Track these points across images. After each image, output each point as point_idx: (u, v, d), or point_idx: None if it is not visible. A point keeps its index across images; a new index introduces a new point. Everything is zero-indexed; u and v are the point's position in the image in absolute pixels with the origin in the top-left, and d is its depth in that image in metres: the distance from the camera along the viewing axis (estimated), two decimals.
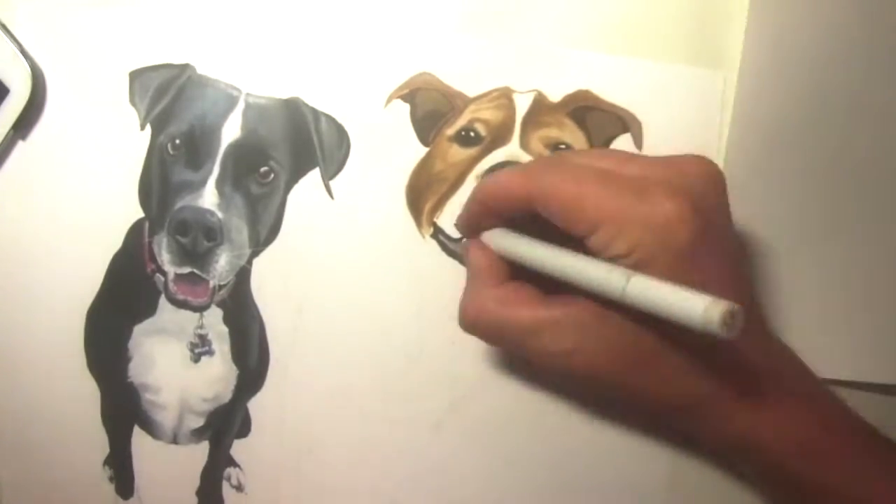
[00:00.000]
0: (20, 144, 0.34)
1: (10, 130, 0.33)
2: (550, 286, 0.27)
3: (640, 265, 0.24)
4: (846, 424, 0.28)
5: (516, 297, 0.27)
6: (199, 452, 0.35)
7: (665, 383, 0.26)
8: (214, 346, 0.34)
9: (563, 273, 0.26)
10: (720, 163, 0.32)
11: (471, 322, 0.28)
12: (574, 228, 0.26)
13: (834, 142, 0.32)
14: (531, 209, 0.27)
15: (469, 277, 0.29)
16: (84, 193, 0.34)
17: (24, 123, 0.33)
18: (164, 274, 0.34)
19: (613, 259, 0.25)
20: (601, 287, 0.24)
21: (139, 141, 0.34)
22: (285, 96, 0.33)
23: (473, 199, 0.29)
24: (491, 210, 0.29)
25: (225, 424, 0.34)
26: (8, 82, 0.32)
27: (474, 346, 0.33)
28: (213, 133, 0.33)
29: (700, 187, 0.26)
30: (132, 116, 0.34)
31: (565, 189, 0.26)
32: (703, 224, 0.25)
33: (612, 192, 0.25)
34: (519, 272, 0.28)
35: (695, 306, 0.21)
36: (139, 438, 0.35)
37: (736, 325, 0.21)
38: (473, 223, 0.30)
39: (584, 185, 0.26)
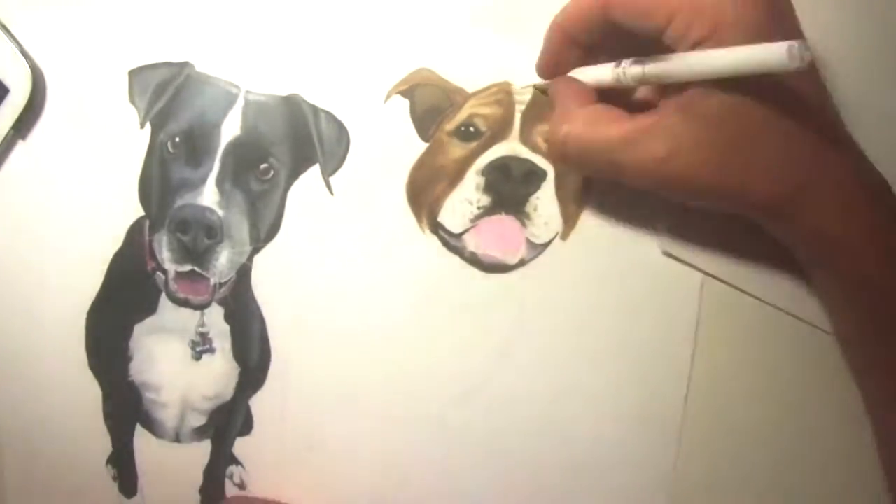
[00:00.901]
0: (20, 144, 0.34)
1: (9, 130, 0.33)
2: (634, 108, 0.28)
3: (725, 42, 0.25)
4: None
5: (604, 115, 0.28)
6: (202, 450, 0.35)
7: (759, 175, 0.26)
8: (216, 344, 0.34)
9: (649, 74, 0.26)
10: None
11: (561, 146, 0.29)
12: (651, 21, 0.26)
13: None
14: (607, 17, 0.28)
15: (555, 108, 0.30)
16: (84, 192, 0.34)
17: (24, 123, 0.33)
18: (165, 272, 0.34)
19: (694, 49, 0.26)
20: (686, 72, 0.25)
21: (139, 139, 0.34)
22: (285, 93, 0.33)
23: (551, 29, 0.30)
24: (568, 33, 0.29)
25: (227, 422, 0.34)
26: (7, 82, 0.32)
27: (477, 342, 0.33)
28: (212, 131, 0.33)
29: None
30: (132, 115, 0.34)
31: None
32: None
33: None
34: (603, 99, 0.29)
35: (767, 49, 0.23)
36: (141, 437, 0.35)
37: (806, 53, 0.22)
38: (553, 58, 0.30)
39: None
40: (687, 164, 0.26)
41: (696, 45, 0.26)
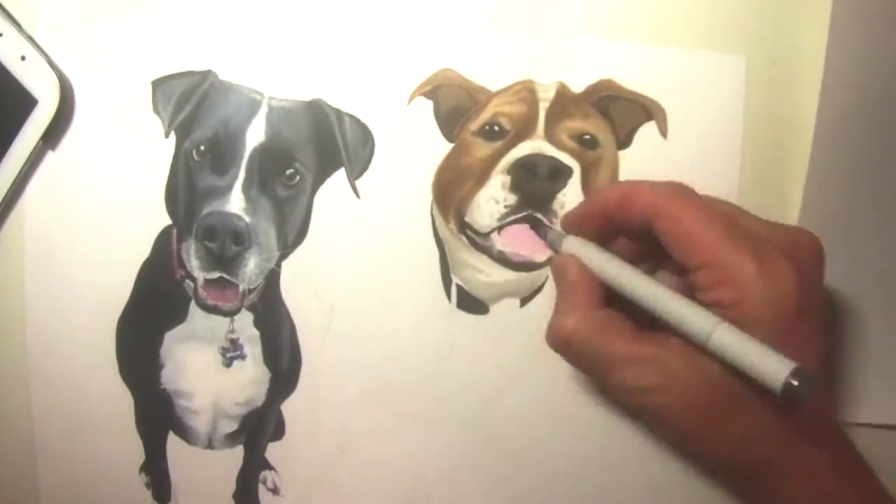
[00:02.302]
0: (49, 154, 0.34)
1: (39, 141, 0.33)
2: (635, 319, 0.27)
3: (740, 319, 0.25)
4: None
5: (610, 326, 0.27)
6: (234, 456, 0.35)
7: (733, 441, 0.26)
8: (246, 350, 0.34)
9: (653, 303, 0.26)
10: (740, 159, 0.33)
11: (564, 342, 0.28)
12: (686, 257, 0.26)
13: None
14: (648, 224, 0.27)
15: (562, 293, 0.29)
16: (112, 202, 0.34)
17: (53, 134, 0.33)
18: (194, 280, 0.34)
19: (711, 304, 0.25)
20: (688, 327, 0.25)
21: (164, 149, 0.34)
22: (308, 98, 0.33)
23: (595, 199, 0.30)
24: (608, 214, 0.29)
25: (259, 428, 0.35)
26: (36, 93, 0.33)
27: (505, 342, 0.33)
28: (237, 138, 0.33)
29: (813, 262, 0.27)
30: (157, 125, 0.34)
31: (694, 216, 0.26)
32: (808, 297, 0.25)
33: (737, 239, 0.26)
34: (609, 299, 0.28)
35: (780, 368, 0.22)
36: (174, 444, 0.35)
37: (813, 392, 0.22)
38: (583, 222, 0.30)
39: (712, 221, 0.26)
40: (670, 405, 0.26)
41: (716, 304, 0.25)
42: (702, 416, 0.26)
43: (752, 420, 0.26)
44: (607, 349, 0.27)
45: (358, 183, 0.33)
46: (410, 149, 0.33)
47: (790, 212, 0.33)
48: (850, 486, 0.27)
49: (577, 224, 0.30)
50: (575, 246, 0.30)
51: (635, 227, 0.28)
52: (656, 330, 0.27)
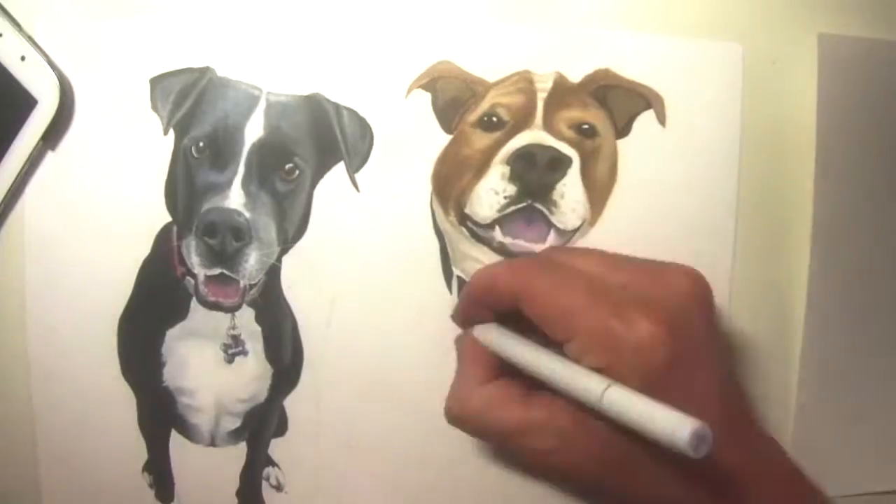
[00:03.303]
0: (49, 154, 0.34)
1: (39, 141, 0.33)
2: (537, 381, 0.27)
3: (618, 381, 0.25)
4: None
5: (500, 397, 0.28)
6: (238, 453, 0.35)
7: (642, 488, 0.26)
8: (248, 346, 0.34)
9: (543, 375, 0.26)
10: (738, 146, 0.32)
11: (455, 417, 0.29)
12: (552, 333, 0.27)
13: None
14: (516, 307, 0.28)
15: (458, 370, 0.30)
16: (111, 201, 0.34)
17: (53, 134, 0.34)
18: (195, 277, 0.34)
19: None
20: (579, 393, 0.25)
21: (163, 146, 0.34)
22: (306, 92, 0.33)
23: (465, 293, 0.30)
24: (480, 303, 0.29)
25: (262, 424, 0.34)
26: (36, 93, 0.33)
27: None
28: (236, 133, 0.33)
29: (682, 305, 0.27)
30: (155, 122, 0.34)
31: (548, 294, 0.27)
32: (680, 346, 0.25)
33: (592, 305, 0.26)
34: (509, 365, 0.28)
35: (665, 425, 0.22)
36: (177, 443, 0.35)
37: (704, 444, 0.21)
38: (466, 315, 0.31)
39: (564, 294, 0.27)
40: (571, 465, 0.26)
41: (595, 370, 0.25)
42: (607, 471, 0.26)
43: (659, 466, 0.25)
44: (496, 420, 0.28)
45: (357, 176, 0.33)
46: (409, 141, 0.33)
47: (791, 197, 0.33)
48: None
49: (463, 319, 0.31)
50: (479, 328, 0.30)
51: (509, 309, 0.28)
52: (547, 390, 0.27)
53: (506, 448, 0.28)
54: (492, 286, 0.29)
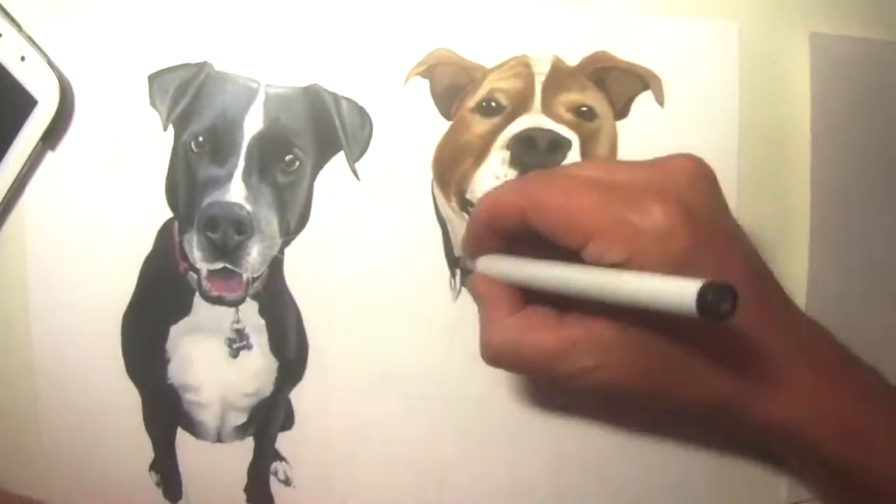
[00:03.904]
0: (49, 155, 0.34)
1: (38, 142, 0.33)
2: (564, 302, 0.27)
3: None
4: (882, 399, 0.27)
5: (534, 323, 0.27)
6: (244, 449, 0.34)
7: (690, 385, 0.26)
8: (252, 340, 0.34)
9: (556, 285, 0.26)
10: (737, 123, 0.32)
11: (495, 354, 0.28)
12: (567, 241, 0.26)
13: None
14: (526, 223, 0.27)
15: (482, 310, 0.29)
16: (112, 198, 0.34)
17: (53, 134, 0.34)
18: (197, 271, 0.34)
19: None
20: (598, 292, 0.24)
21: (163, 142, 0.34)
22: (304, 84, 0.33)
23: (473, 219, 0.29)
24: (490, 228, 0.28)
25: (268, 418, 0.34)
26: (36, 94, 0.33)
27: None
28: (235, 127, 0.33)
29: (688, 186, 0.26)
30: (154, 119, 0.34)
31: (555, 201, 0.26)
32: (695, 225, 0.25)
33: (603, 201, 0.25)
34: (531, 296, 0.28)
35: (688, 289, 0.21)
36: (183, 440, 0.35)
37: (726, 302, 0.20)
38: (476, 243, 0.30)
39: (573, 196, 0.26)
40: (619, 376, 0.26)
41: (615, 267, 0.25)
42: (654, 375, 0.26)
43: (703, 359, 0.25)
44: (537, 348, 0.27)
45: (357, 165, 0.33)
46: (408, 129, 0.33)
47: (791, 171, 0.33)
48: (839, 385, 0.26)
49: (473, 249, 0.30)
50: (484, 263, 0.29)
51: (519, 230, 0.27)
52: (580, 308, 0.26)
53: (550, 375, 0.27)
54: (498, 204, 0.28)
